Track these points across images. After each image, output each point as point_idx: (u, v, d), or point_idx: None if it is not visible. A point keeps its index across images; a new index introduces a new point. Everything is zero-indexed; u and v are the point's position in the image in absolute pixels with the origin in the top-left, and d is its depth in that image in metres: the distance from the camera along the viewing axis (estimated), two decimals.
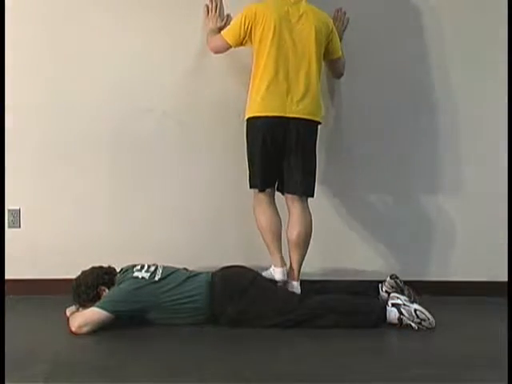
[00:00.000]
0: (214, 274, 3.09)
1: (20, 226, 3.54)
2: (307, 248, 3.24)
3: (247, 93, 3.24)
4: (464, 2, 3.60)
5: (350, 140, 3.61)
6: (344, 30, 3.51)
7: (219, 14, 3.45)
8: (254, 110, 3.18)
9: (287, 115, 3.14)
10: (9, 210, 3.50)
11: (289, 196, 3.25)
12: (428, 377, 2.41)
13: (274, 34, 3.13)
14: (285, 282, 3.25)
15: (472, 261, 3.65)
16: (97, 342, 2.78)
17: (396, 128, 3.64)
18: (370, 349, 2.74)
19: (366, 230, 3.66)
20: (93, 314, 2.86)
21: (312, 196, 3.25)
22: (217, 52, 3.39)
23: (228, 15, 3.45)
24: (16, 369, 2.39)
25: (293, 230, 3.21)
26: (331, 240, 3.60)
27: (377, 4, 3.59)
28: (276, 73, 3.14)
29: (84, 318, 2.86)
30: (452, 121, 3.64)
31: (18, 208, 3.53)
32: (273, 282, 3.23)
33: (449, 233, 3.68)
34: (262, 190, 3.24)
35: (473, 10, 3.59)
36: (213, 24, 3.43)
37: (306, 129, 3.19)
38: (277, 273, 3.23)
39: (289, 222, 3.25)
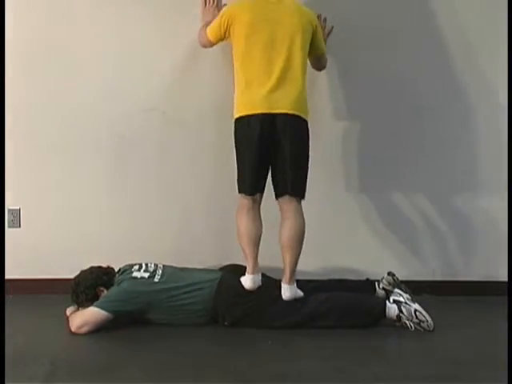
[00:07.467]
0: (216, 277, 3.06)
1: (20, 226, 3.54)
2: (300, 250, 3.08)
3: None
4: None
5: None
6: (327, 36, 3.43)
7: (217, 6, 3.38)
8: (239, 109, 3.08)
9: (272, 111, 3.01)
10: (9, 210, 3.50)
11: (280, 198, 3.11)
12: (428, 377, 2.41)
13: (252, 32, 3.04)
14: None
15: (472, 261, 3.65)
16: (97, 341, 2.78)
17: (397, 129, 3.62)
18: (369, 348, 2.74)
19: (364, 229, 3.65)
20: (92, 313, 2.86)
21: (303, 198, 3.11)
22: (204, 47, 3.34)
23: (226, 6, 3.31)
24: (16, 369, 2.39)
25: (284, 233, 3.06)
26: (329, 239, 3.61)
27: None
28: (258, 71, 3.04)
29: (83, 317, 2.86)
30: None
31: (18, 208, 3.53)
32: (273, 282, 3.22)
33: (448, 232, 3.67)
34: (250, 195, 3.09)
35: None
36: (209, 17, 3.33)
37: (294, 126, 3.05)
38: (247, 280, 3.02)
39: (281, 224, 3.10)
